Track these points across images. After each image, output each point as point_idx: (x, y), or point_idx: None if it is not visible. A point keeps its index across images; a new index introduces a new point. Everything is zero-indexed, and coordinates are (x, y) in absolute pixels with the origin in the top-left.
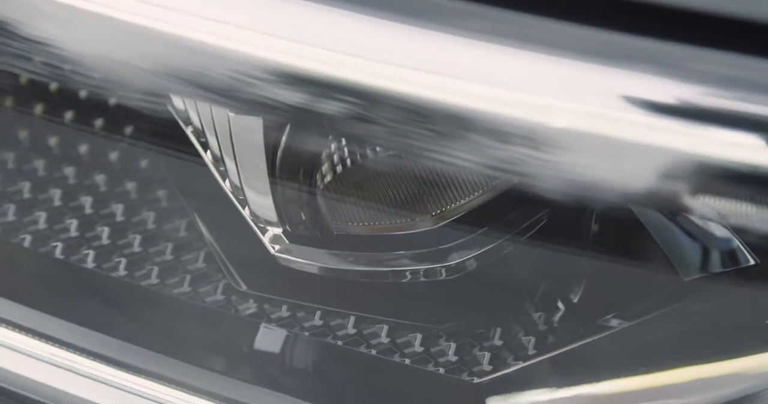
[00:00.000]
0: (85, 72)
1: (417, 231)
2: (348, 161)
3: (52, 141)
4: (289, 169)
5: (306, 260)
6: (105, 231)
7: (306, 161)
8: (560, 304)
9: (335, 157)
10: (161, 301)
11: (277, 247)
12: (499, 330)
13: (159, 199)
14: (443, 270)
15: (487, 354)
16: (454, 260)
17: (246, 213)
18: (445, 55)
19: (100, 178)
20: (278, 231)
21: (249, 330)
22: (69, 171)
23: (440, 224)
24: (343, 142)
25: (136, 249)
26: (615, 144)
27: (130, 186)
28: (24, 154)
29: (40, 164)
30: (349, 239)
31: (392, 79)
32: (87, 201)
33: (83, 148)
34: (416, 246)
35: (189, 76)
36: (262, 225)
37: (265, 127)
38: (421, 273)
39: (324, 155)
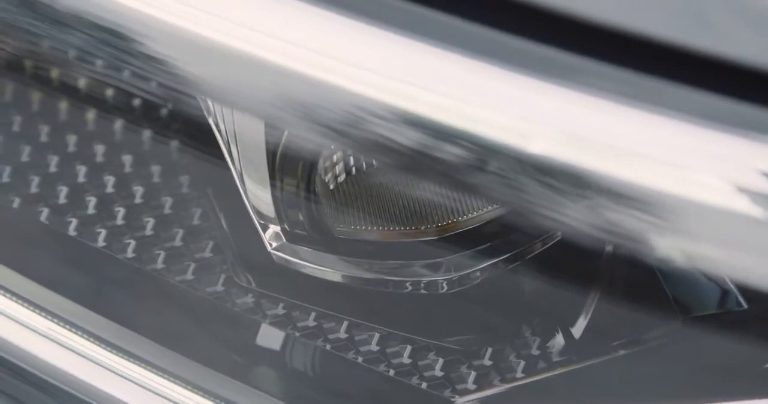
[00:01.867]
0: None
1: (419, 240)
2: (352, 169)
3: (82, 121)
4: (288, 168)
5: (301, 260)
6: (121, 212)
7: (306, 163)
8: (558, 331)
9: (337, 162)
10: (160, 288)
11: (274, 245)
12: (490, 350)
13: (180, 185)
14: (444, 283)
15: (474, 373)
16: (453, 273)
17: (249, 208)
18: (575, 114)
19: (126, 158)
20: (277, 229)
21: (240, 325)
22: (97, 149)
23: (443, 236)
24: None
25: (148, 232)
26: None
27: (154, 169)
28: (57, 128)
29: (71, 140)
30: (348, 243)
31: (521, 134)
32: (109, 180)
33: (112, 131)
34: (418, 256)
35: (308, 111)
36: (263, 222)
37: (267, 125)
38: (421, 285)
39: (325, 158)
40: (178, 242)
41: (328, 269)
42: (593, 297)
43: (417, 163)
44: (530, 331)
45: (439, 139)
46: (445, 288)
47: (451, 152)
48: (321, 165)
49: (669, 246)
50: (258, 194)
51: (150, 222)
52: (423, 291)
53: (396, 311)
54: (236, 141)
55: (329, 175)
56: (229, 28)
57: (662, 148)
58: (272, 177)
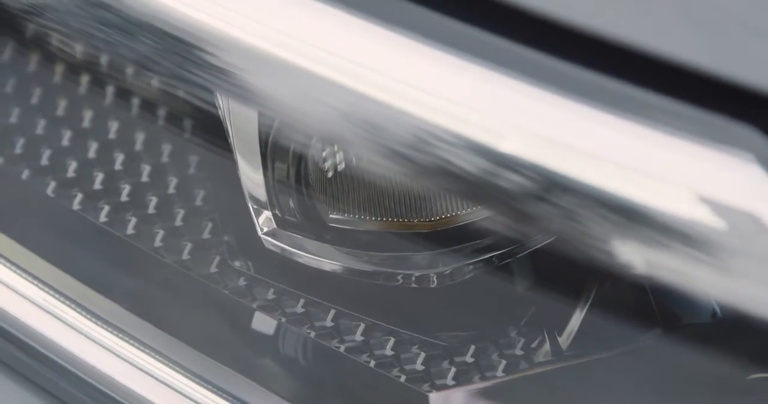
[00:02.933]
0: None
1: (412, 233)
2: (342, 164)
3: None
4: (280, 153)
5: (290, 247)
6: (126, 189)
7: (297, 149)
8: (544, 332)
9: (335, 151)
10: (156, 269)
11: (265, 230)
12: (474, 347)
13: (188, 166)
14: (434, 278)
15: (454, 369)
16: (445, 268)
17: (245, 190)
18: (646, 151)
19: (138, 136)
20: (269, 214)
21: (230, 308)
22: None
23: (437, 229)
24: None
25: (150, 210)
26: None
27: (164, 148)
28: (74, 103)
29: (87, 115)
30: (340, 233)
31: (594, 168)
32: (119, 157)
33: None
34: (410, 249)
35: (374, 132)
36: (256, 207)
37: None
38: (412, 278)
39: (316, 150)
40: (178, 222)
41: (317, 258)
42: (583, 299)
43: (477, 189)
44: (516, 331)
45: (506, 167)
46: (435, 282)
47: (514, 181)
48: (316, 153)
49: (630, 252)
50: (251, 177)
51: (153, 201)
52: (413, 285)
53: (383, 303)
54: (231, 121)
55: (327, 163)
56: (301, 46)
57: (629, 153)
58: (264, 160)
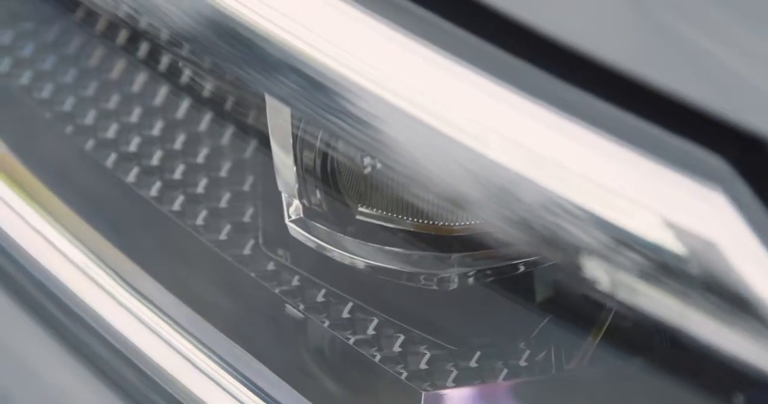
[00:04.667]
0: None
1: (438, 234)
2: (374, 167)
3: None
4: (309, 144)
5: (314, 238)
6: (180, 168)
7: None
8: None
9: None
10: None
11: (292, 218)
12: (479, 353)
13: (241, 149)
14: (455, 279)
15: (455, 372)
16: (464, 269)
17: (277, 177)
18: (620, 171)
19: (204, 117)
20: (298, 203)
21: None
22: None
23: (463, 235)
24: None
25: (200, 190)
26: None
27: (226, 131)
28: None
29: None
30: (362, 227)
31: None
32: (180, 136)
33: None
34: (433, 248)
35: (499, 196)
36: (287, 195)
37: None
38: (434, 280)
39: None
40: (223, 203)
41: (340, 251)
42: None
43: (588, 258)
44: (525, 343)
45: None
46: (456, 283)
47: (632, 259)
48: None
49: (596, 268)
50: (283, 163)
51: (203, 181)
52: (434, 287)
53: (400, 301)
54: (268, 105)
55: (366, 159)
56: (441, 108)
57: (603, 173)
58: (295, 147)
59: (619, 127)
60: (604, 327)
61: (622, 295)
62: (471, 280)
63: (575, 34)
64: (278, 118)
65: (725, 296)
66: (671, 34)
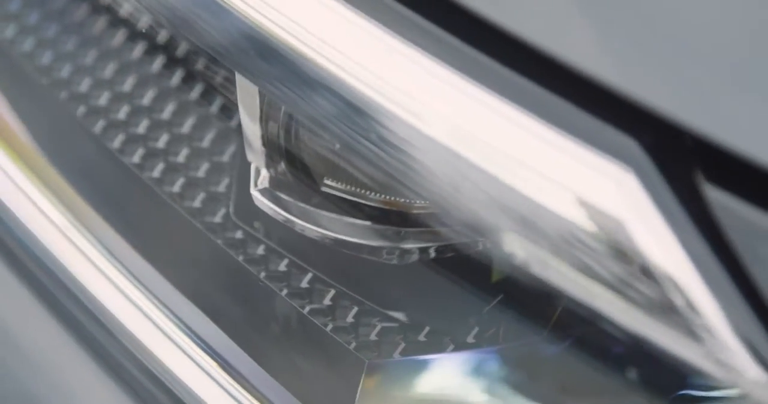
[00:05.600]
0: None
1: (396, 210)
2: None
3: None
4: (274, 114)
5: (277, 207)
6: (164, 138)
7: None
8: (499, 324)
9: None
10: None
11: (258, 187)
12: (428, 328)
13: (227, 120)
14: (416, 252)
15: (403, 345)
16: (425, 244)
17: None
18: (539, 147)
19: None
20: (265, 173)
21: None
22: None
23: (418, 211)
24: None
25: (180, 159)
26: None
27: (214, 101)
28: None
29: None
30: (327, 199)
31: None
32: (169, 106)
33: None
34: (396, 223)
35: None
36: (254, 163)
37: None
38: (396, 252)
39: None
40: (201, 173)
41: (303, 222)
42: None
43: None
44: (476, 319)
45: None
46: (417, 257)
47: (545, 235)
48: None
49: (512, 243)
50: (250, 132)
51: (185, 151)
52: (395, 261)
53: (359, 274)
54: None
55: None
56: (473, 140)
57: (521, 148)
58: (262, 117)
59: (539, 105)
60: (558, 311)
61: (536, 270)
62: (432, 254)
63: (501, 14)
64: (247, 89)
65: (630, 273)
66: (595, 17)
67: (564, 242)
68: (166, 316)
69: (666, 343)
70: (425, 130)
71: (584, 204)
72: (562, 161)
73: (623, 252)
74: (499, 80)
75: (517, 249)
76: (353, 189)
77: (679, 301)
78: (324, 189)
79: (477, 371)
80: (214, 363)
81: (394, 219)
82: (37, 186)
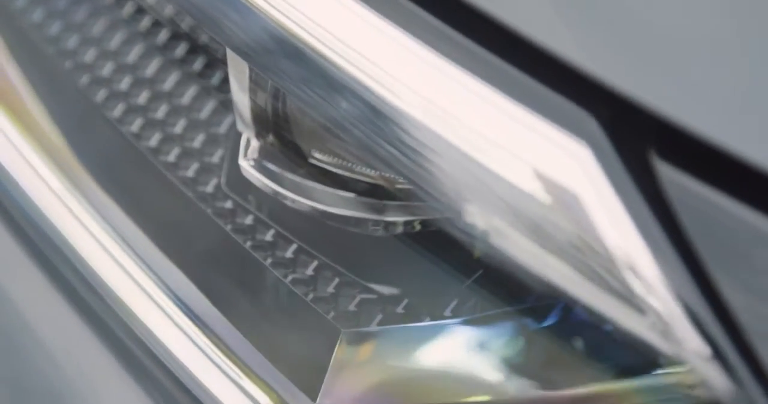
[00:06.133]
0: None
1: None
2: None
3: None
4: (263, 83)
5: (264, 178)
6: (164, 108)
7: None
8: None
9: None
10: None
11: (247, 158)
12: (407, 300)
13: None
14: (401, 225)
15: (381, 316)
16: (411, 217)
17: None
18: (498, 119)
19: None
20: (254, 143)
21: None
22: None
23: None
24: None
25: (177, 129)
26: None
27: (216, 73)
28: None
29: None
30: (314, 171)
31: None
32: (171, 77)
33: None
34: (381, 196)
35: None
36: (244, 133)
37: None
38: (381, 226)
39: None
40: (196, 143)
41: (289, 194)
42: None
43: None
44: (454, 293)
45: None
46: (402, 229)
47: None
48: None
49: (473, 213)
50: (242, 103)
51: (182, 121)
52: (379, 233)
53: (343, 246)
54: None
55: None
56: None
57: (481, 120)
58: (251, 87)
59: (502, 79)
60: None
61: (494, 240)
62: (416, 228)
63: None
64: (238, 58)
65: (583, 246)
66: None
67: (520, 214)
68: (152, 280)
69: (615, 315)
70: (395, 102)
71: (541, 176)
72: (521, 134)
73: (577, 225)
74: (464, 54)
75: (478, 220)
76: (340, 161)
77: (627, 273)
78: (311, 161)
79: (453, 341)
80: (192, 324)
81: (379, 192)
82: (36, 150)
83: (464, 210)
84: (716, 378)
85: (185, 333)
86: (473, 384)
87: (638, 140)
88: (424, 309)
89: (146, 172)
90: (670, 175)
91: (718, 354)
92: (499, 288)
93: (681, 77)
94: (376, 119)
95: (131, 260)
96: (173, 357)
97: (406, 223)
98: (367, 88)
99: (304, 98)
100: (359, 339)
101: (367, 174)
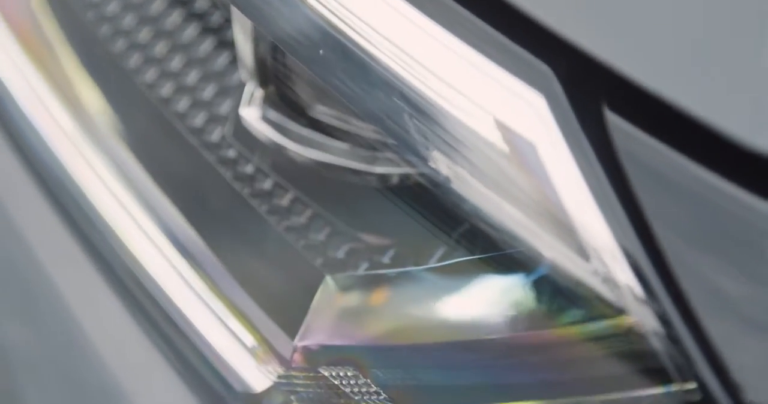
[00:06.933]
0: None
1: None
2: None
3: None
4: (267, 39)
5: (265, 128)
6: (179, 59)
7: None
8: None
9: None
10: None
11: (248, 107)
12: (394, 250)
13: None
14: (397, 176)
15: (366, 264)
16: (387, 170)
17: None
18: (465, 69)
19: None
20: (256, 93)
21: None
22: None
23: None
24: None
25: (190, 80)
26: None
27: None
28: None
29: None
30: (312, 123)
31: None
32: (188, 28)
33: None
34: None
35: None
36: (246, 82)
37: None
38: (376, 177)
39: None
40: (207, 95)
41: (289, 144)
42: None
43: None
44: (442, 245)
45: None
46: (397, 181)
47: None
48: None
49: (437, 160)
50: (245, 53)
51: (195, 72)
52: (374, 184)
53: (337, 196)
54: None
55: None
56: None
57: (452, 70)
58: (254, 36)
59: (465, 29)
60: None
61: (456, 186)
62: (411, 179)
63: None
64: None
65: (535, 193)
66: None
67: (479, 160)
68: (148, 217)
69: (563, 261)
70: (366, 47)
71: (501, 124)
72: (483, 82)
73: (532, 173)
74: (435, 6)
75: (442, 166)
76: (338, 113)
77: (575, 220)
78: (310, 112)
79: (434, 286)
80: (186, 264)
81: (376, 143)
82: (52, 89)
83: (429, 157)
84: (651, 324)
85: (179, 272)
86: (443, 326)
87: (592, 93)
88: (410, 259)
89: (156, 120)
90: (617, 125)
91: (652, 299)
92: (483, 240)
93: (634, 34)
94: (346, 63)
95: (135, 203)
96: (165, 294)
97: (402, 176)
98: (340, 32)
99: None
100: (341, 283)
101: (364, 126)
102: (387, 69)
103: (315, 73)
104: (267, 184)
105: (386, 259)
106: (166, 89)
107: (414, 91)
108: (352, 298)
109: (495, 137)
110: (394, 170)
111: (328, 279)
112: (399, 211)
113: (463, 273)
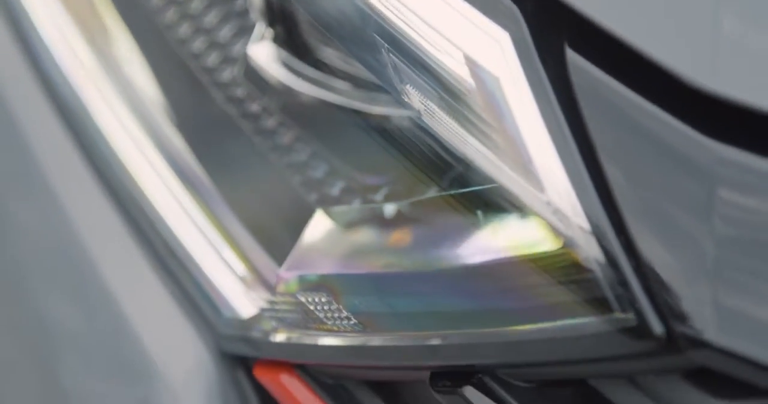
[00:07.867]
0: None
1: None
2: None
3: None
4: None
5: (268, 65)
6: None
7: None
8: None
9: None
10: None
11: (255, 44)
12: (387, 189)
13: None
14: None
15: (358, 201)
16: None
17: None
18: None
19: None
20: (264, 31)
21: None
22: None
23: None
24: None
25: (209, 21)
26: None
27: None
28: None
29: None
30: (318, 64)
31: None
32: None
33: None
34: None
35: None
36: (255, 19)
37: None
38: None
39: None
40: (223, 36)
41: (292, 82)
42: None
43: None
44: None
45: None
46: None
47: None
48: None
49: (411, 95)
50: None
51: (214, 12)
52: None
53: (337, 135)
54: None
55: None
56: None
57: (427, 9)
58: None
59: None
60: None
61: (427, 121)
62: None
63: None
64: None
65: (497, 126)
66: None
67: (449, 94)
68: (155, 147)
69: (520, 192)
70: None
71: (469, 59)
72: (455, 19)
73: (494, 107)
74: None
75: (415, 101)
76: (341, 54)
77: (532, 153)
78: (316, 52)
79: (404, 220)
80: (186, 193)
81: (373, 85)
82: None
83: (403, 91)
84: (595, 253)
85: (180, 202)
86: (408, 256)
87: (555, 32)
88: (401, 199)
89: (174, 61)
90: (576, 62)
91: (597, 230)
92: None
93: None
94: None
95: (142, 132)
96: (166, 223)
97: (398, 118)
98: None
99: None
100: (332, 217)
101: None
102: (365, 3)
103: (306, 11)
104: (271, 123)
105: (378, 197)
106: (184, 29)
107: (390, 25)
108: (337, 231)
109: (463, 72)
110: (393, 112)
111: (319, 213)
112: (395, 152)
113: (435, 209)
